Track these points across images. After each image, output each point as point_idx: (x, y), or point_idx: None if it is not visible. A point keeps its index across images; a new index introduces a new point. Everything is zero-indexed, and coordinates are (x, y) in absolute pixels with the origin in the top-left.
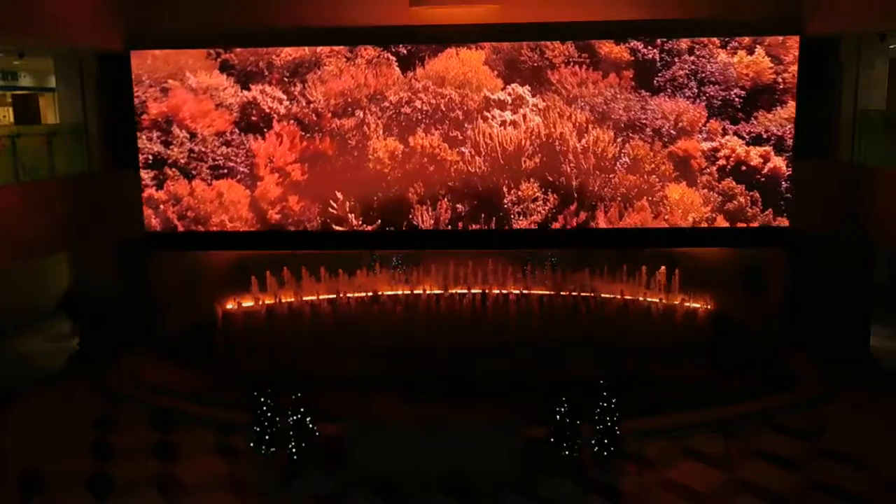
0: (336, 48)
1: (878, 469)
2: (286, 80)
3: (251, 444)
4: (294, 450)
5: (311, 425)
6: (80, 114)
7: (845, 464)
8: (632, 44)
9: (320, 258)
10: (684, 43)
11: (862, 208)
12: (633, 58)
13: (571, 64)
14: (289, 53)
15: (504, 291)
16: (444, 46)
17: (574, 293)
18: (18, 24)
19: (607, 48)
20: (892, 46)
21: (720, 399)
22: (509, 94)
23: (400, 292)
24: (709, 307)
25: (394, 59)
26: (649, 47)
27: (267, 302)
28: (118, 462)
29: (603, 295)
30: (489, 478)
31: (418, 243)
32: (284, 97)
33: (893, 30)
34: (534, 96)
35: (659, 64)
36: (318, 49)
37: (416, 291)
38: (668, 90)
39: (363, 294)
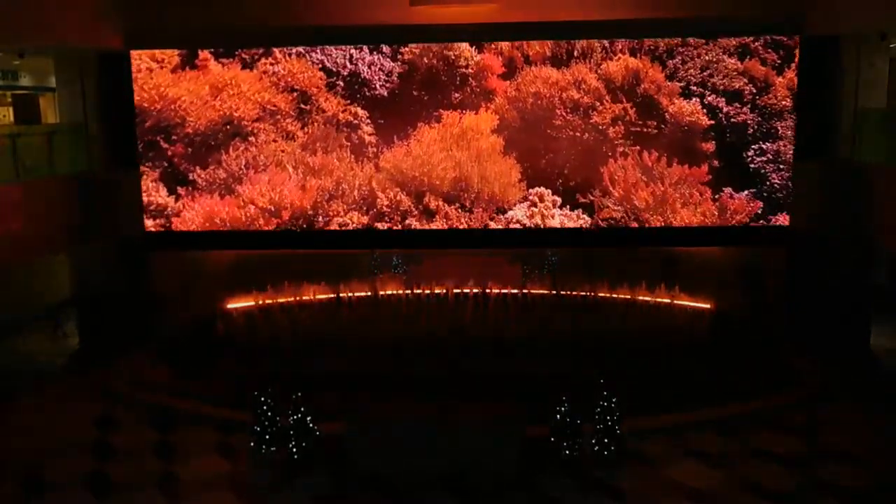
0: (277, 104)
1: (878, 468)
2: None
3: (252, 444)
4: (294, 449)
5: (311, 424)
6: (80, 113)
7: (845, 463)
8: (708, 98)
9: (320, 258)
10: (784, 98)
11: (862, 208)
12: (711, 119)
13: (629, 138)
14: (196, 120)
15: (504, 291)
16: (433, 114)
17: (573, 292)
18: (19, 24)
19: (676, 105)
20: (892, 45)
21: (720, 398)
22: (535, 219)
23: (400, 292)
24: (708, 306)
25: (364, 114)
26: (735, 105)
27: (266, 302)
28: (118, 462)
29: (602, 294)
30: (489, 476)
31: (419, 243)
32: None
33: (894, 29)
34: (576, 211)
35: (752, 129)
36: (250, 111)
37: (416, 291)
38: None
39: (363, 294)
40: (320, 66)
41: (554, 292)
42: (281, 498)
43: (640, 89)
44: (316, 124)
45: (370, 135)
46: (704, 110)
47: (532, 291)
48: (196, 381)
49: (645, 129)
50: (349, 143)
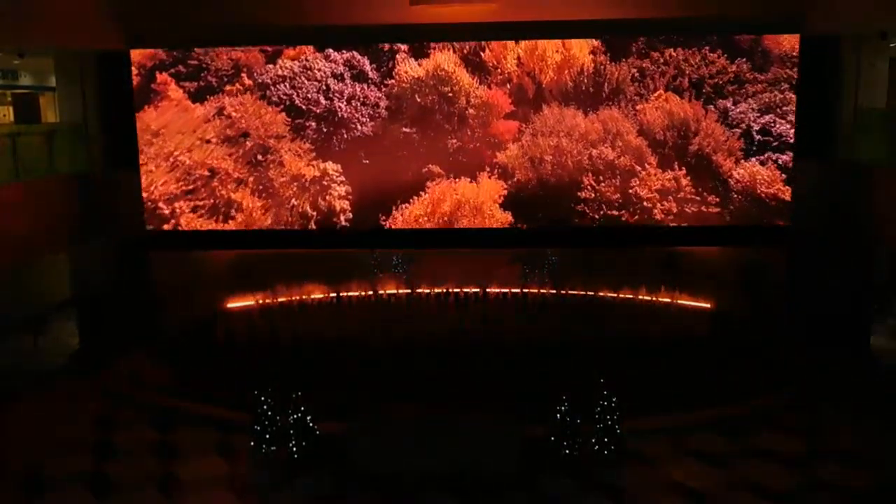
0: (217, 166)
1: (878, 468)
2: None
3: (252, 444)
4: (294, 449)
5: (311, 424)
6: (80, 113)
7: (845, 463)
8: (781, 158)
9: (320, 257)
10: None
11: (862, 208)
12: (788, 184)
13: (683, 219)
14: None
15: (503, 291)
16: (422, 170)
17: (573, 292)
18: (19, 24)
19: (743, 169)
20: (892, 45)
21: (720, 398)
22: None
23: (399, 292)
24: (709, 306)
25: (336, 169)
26: None
27: (266, 301)
28: (118, 461)
29: (602, 294)
30: (489, 476)
31: (419, 243)
32: None
33: (894, 29)
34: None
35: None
36: (174, 183)
37: (416, 291)
38: None
39: (363, 293)
40: (287, 102)
41: (554, 292)
42: (281, 498)
43: (693, 146)
44: (268, 192)
45: (341, 198)
46: (781, 173)
47: (532, 291)
48: (196, 381)
49: (704, 208)
50: (314, 214)
